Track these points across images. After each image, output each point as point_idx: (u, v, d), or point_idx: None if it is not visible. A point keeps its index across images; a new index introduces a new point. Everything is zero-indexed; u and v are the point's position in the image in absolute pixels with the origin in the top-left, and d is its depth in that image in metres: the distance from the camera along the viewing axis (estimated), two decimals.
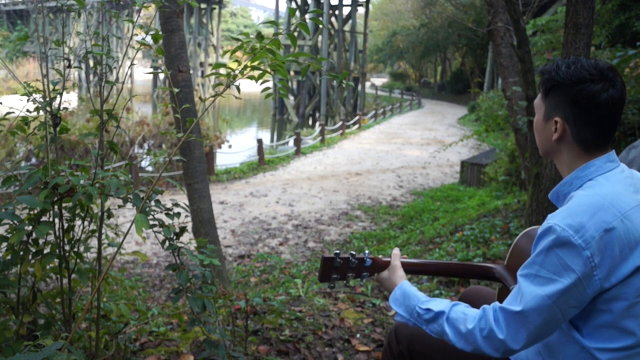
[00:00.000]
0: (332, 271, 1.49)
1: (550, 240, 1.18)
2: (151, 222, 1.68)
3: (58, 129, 1.78)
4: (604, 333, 1.21)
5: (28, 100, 1.80)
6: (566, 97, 1.26)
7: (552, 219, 1.20)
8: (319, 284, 4.48)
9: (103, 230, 1.85)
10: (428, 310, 1.35)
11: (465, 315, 1.29)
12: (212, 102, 1.92)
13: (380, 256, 1.55)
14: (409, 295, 1.42)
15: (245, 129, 29.25)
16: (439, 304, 1.35)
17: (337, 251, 1.50)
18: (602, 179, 1.25)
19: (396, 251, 1.55)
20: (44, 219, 1.68)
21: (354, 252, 1.50)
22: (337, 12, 30.72)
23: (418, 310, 1.37)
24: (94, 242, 1.96)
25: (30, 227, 1.65)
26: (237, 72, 1.75)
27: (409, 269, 1.56)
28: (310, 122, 31.12)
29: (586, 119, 1.25)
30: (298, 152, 16.15)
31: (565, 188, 1.32)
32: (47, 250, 1.77)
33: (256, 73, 1.76)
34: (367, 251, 1.54)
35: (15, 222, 1.63)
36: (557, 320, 1.19)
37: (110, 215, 1.84)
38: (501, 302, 1.30)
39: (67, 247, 1.83)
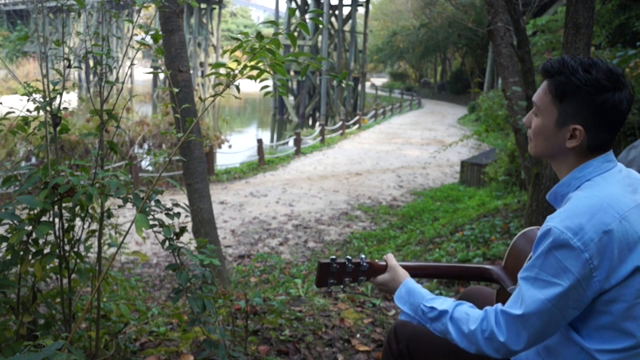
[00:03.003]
0: (328, 276, 1.49)
1: (549, 243, 1.18)
2: (151, 222, 1.68)
3: (58, 129, 1.78)
4: (603, 334, 1.21)
5: (28, 100, 1.80)
6: (589, 105, 1.21)
7: (551, 221, 1.20)
8: None
9: (104, 230, 1.85)
10: (432, 308, 1.35)
11: (468, 315, 1.30)
12: (212, 102, 1.92)
13: (376, 260, 1.56)
14: (413, 293, 1.42)
15: (245, 129, 29.25)
16: (443, 303, 1.35)
17: (334, 257, 1.50)
18: (600, 179, 1.25)
19: (389, 254, 1.56)
20: (44, 219, 1.67)
21: (350, 257, 1.50)
22: (337, 12, 30.72)
23: (422, 308, 1.37)
24: (93, 242, 1.96)
25: (30, 227, 1.65)
26: (237, 72, 1.75)
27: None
28: (310, 122, 31.11)
29: (606, 126, 1.23)
30: (298, 152, 16.15)
31: (563, 189, 1.31)
32: (47, 250, 1.77)
33: (256, 73, 1.76)
34: (363, 255, 1.54)
35: (15, 222, 1.63)
36: (558, 322, 1.20)
37: (110, 215, 1.84)
38: (499, 303, 1.30)
39: (67, 247, 1.83)
